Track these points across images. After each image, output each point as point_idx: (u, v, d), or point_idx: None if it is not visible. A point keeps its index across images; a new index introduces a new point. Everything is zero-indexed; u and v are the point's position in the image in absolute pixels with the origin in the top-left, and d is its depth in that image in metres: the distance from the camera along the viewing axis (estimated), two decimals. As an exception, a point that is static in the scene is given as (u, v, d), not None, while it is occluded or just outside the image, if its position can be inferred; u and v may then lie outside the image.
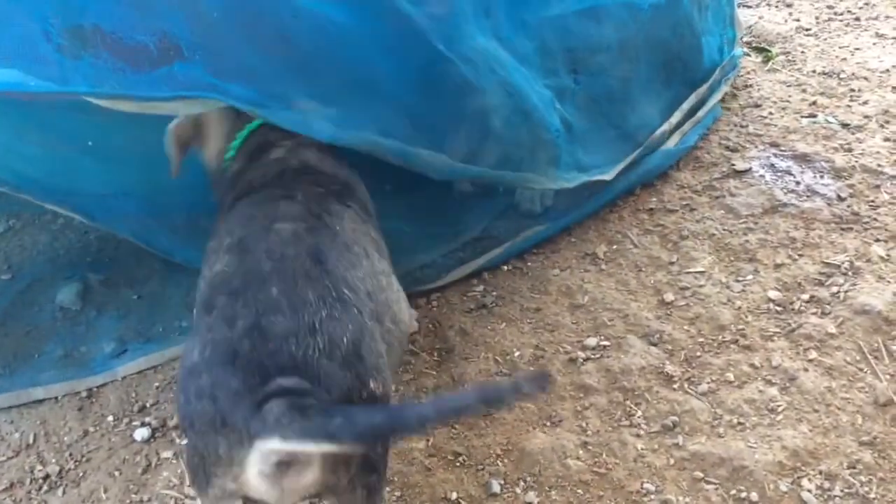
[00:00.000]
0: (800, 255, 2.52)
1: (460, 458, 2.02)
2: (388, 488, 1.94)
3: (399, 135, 2.14)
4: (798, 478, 1.93)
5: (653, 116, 2.91)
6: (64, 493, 2.02)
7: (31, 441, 2.14)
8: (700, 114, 3.07)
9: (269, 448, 1.32)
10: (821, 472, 1.93)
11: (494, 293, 2.48)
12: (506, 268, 2.58)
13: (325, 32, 1.99)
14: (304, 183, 1.88)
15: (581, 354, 2.26)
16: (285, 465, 1.36)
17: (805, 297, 2.38)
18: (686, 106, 3.02)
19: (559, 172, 2.55)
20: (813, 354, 2.21)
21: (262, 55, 1.96)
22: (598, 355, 2.26)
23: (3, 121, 2.14)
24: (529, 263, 2.59)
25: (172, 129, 1.99)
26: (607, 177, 2.68)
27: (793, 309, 2.35)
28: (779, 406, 2.09)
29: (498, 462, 2.01)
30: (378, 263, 1.76)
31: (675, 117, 2.96)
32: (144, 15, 1.84)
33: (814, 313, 2.33)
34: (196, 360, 1.45)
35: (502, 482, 1.96)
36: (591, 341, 2.30)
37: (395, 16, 2.05)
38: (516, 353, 2.28)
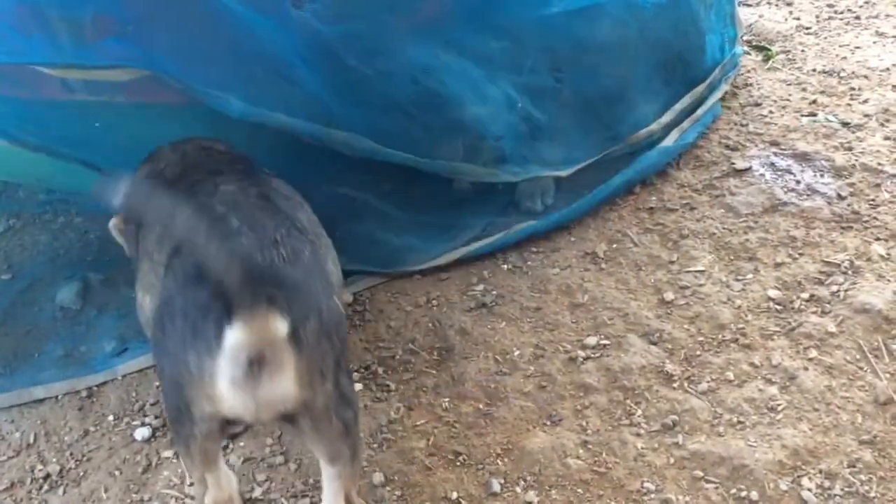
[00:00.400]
0: (800, 254, 2.52)
1: (460, 458, 2.02)
2: (388, 488, 1.95)
3: (315, 121, 2.28)
4: (798, 477, 1.93)
5: (650, 116, 2.91)
6: (64, 492, 2.02)
7: (31, 440, 2.14)
8: (699, 112, 3.06)
9: (235, 337, 1.33)
10: (821, 471, 1.93)
11: (494, 292, 2.48)
12: (505, 267, 2.58)
13: (250, 33, 2.15)
14: (222, 162, 1.97)
15: (581, 353, 2.26)
16: (257, 367, 1.36)
17: (805, 295, 2.38)
18: (679, 107, 3.01)
19: (504, 167, 2.63)
20: (813, 353, 2.21)
21: (191, 37, 2.15)
22: (598, 354, 2.26)
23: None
24: (529, 262, 2.59)
25: (111, 226, 2.09)
26: (563, 174, 2.70)
27: (793, 308, 2.35)
28: (779, 405, 2.09)
29: (498, 461, 2.01)
30: (313, 215, 1.86)
31: (666, 118, 2.95)
32: None
33: (814, 312, 2.33)
34: (171, 291, 1.50)
35: (502, 481, 1.96)
36: (591, 340, 2.30)
37: (308, 31, 2.22)
38: (516, 353, 2.28)
